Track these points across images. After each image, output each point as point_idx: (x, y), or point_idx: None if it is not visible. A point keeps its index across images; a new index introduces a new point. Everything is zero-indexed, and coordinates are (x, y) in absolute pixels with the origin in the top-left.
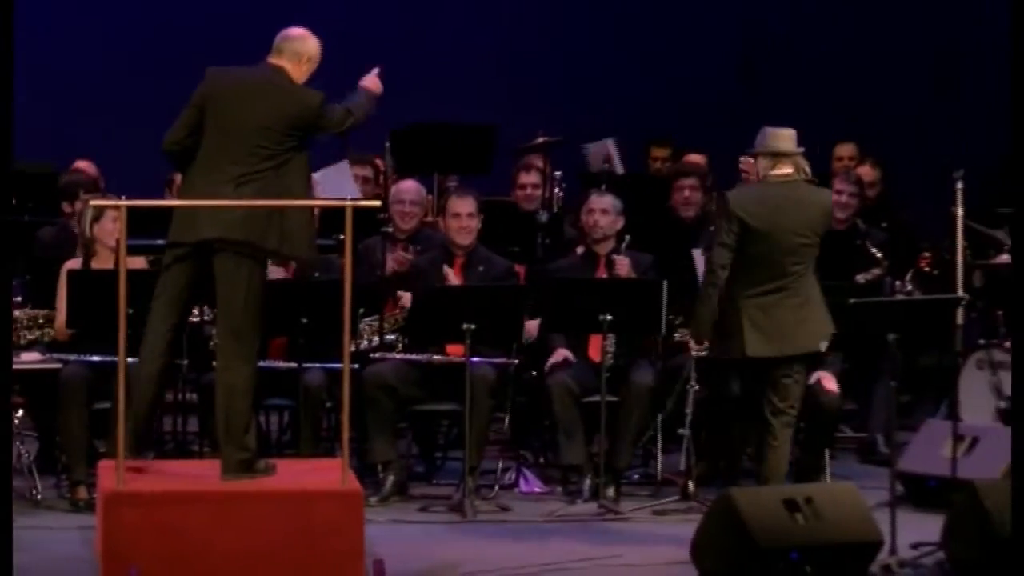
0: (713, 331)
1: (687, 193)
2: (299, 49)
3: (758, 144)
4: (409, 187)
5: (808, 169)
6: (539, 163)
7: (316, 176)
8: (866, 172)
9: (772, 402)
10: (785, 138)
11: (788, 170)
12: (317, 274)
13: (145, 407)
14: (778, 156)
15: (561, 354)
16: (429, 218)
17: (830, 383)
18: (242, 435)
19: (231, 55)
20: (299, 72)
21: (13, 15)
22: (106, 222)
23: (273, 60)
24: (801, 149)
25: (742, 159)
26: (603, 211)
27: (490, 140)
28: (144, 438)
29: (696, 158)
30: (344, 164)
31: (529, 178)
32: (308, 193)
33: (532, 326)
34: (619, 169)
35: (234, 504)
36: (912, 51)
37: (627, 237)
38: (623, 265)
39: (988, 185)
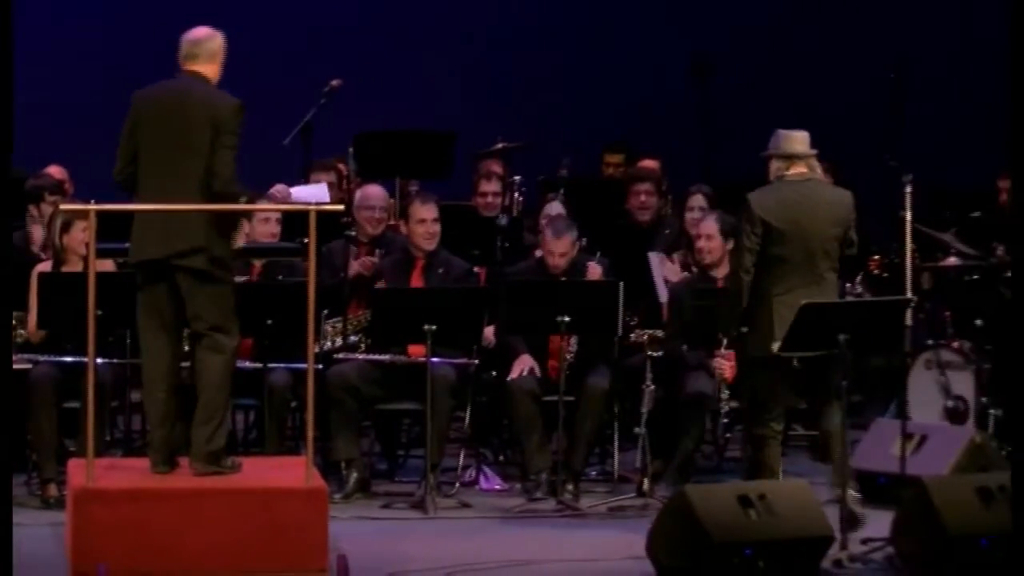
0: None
1: (643, 198)
2: (213, 49)
3: (771, 147)
4: (378, 193)
5: (820, 171)
6: (498, 169)
7: (293, 191)
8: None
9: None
10: (799, 140)
11: (802, 170)
12: (281, 276)
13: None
14: (792, 158)
15: (526, 363)
16: (391, 222)
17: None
18: (214, 428)
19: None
20: (214, 71)
21: (12, 16)
22: (75, 232)
23: (191, 67)
24: (815, 151)
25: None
26: (562, 254)
27: (450, 146)
28: (173, 449)
29: (650, 163)
30: (323, 187)
31: (490, 186)
32: None
33: (490, 332)
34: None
35: (201, 501)
36: (864, 57)
37: (584, 240)
38: (595, 272)
39: (936, 189)
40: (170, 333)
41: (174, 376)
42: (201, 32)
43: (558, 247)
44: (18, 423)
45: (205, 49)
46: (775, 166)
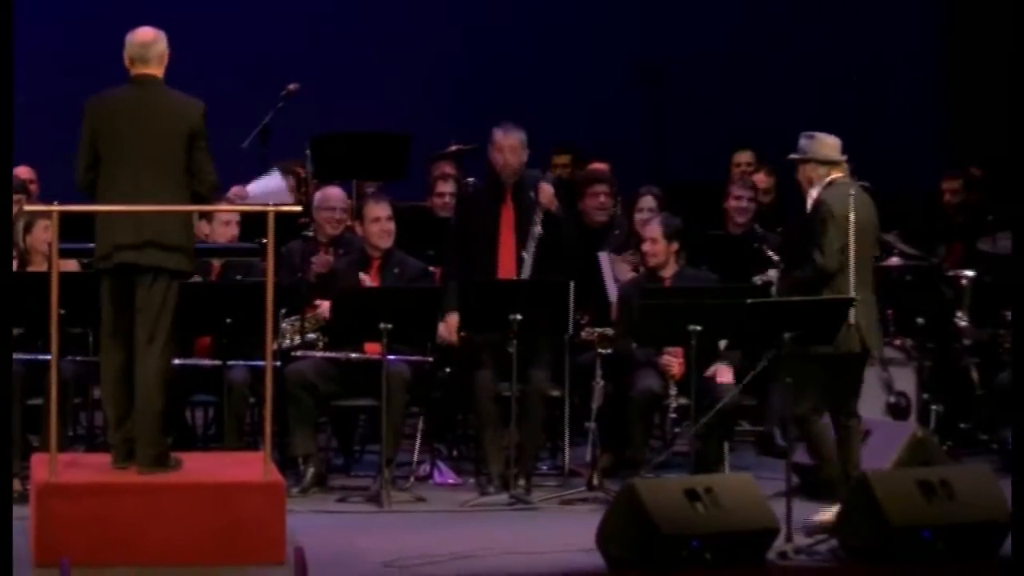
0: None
1: (601, 199)
2: (161, 51)
3: (808, 151)
4: (338, 194)
5: None
6: (453, 171)
7: (249, 188)
8: (760, 179)
9: (851, 396)
10: (836, 146)
11: (843, 174)
12: (239, 276)
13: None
14: (834, 163)
15: (452, 323)
16: (349, 222)
17: (724, 376)
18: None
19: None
20: (162, 70)
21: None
22: (38, 231)
23: (144, 70)
24: (845, 156)
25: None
26: (512, 149)
27: (405, 148)
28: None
29: (600, 166)
30: (276, 175)
31: (447, 187)
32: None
33: (443, 330)
34: None
35: (162, 495)
36: (806, 63)
37: (540, 170)
38: (546, 192)
39: (879, 191)
40: (125, 335)
41: (132, 375)
42: (149, 34)
43: (508, 142)
44: None
45: (155, 52)
46: (816, 171)
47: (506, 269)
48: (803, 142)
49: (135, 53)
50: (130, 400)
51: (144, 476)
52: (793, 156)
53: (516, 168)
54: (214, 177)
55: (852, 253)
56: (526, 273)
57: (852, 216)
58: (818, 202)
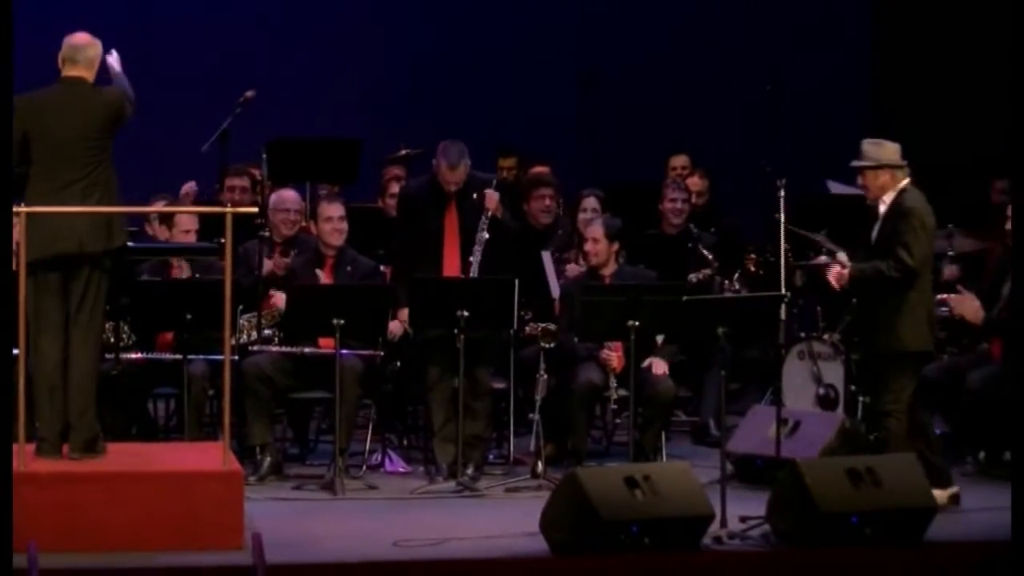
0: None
1: (546, 202)
2: (91, 56)
3: (884, 158)
4: (292, 197)
5: None
6: (402, 174)
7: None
8: (694, 182)
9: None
10: (899, 151)
11: (908, 179)
12: (198, 275)
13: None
14: (902, 168)
15: (403, 316)
16: (303, 223)
17: (660, 367)
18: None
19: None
20: (92, 75)
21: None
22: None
23: (71, 72)
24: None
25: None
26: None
27: (356, 152)
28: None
29: (543, 169)
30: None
31: (395, 189)
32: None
33: (394, 326)
34: None
35: (125, 483)
36: (738, 70)
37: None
38: (492, 198)
39: (807, 192)
40: (63, 325)
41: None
42: (83, 38)
43: (454, 176)
44: None
45: (85, 56)
46: (893, 176)
47: (451, 271)
48: (871, 149)
49: (67, 54)
50: (65, 390)
51: (113, 465)
52: (865, 164)
53: (460, 185)
54: (129, 96)
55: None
56: (473, 275)
57: (930, 222)
58: (906, 207)
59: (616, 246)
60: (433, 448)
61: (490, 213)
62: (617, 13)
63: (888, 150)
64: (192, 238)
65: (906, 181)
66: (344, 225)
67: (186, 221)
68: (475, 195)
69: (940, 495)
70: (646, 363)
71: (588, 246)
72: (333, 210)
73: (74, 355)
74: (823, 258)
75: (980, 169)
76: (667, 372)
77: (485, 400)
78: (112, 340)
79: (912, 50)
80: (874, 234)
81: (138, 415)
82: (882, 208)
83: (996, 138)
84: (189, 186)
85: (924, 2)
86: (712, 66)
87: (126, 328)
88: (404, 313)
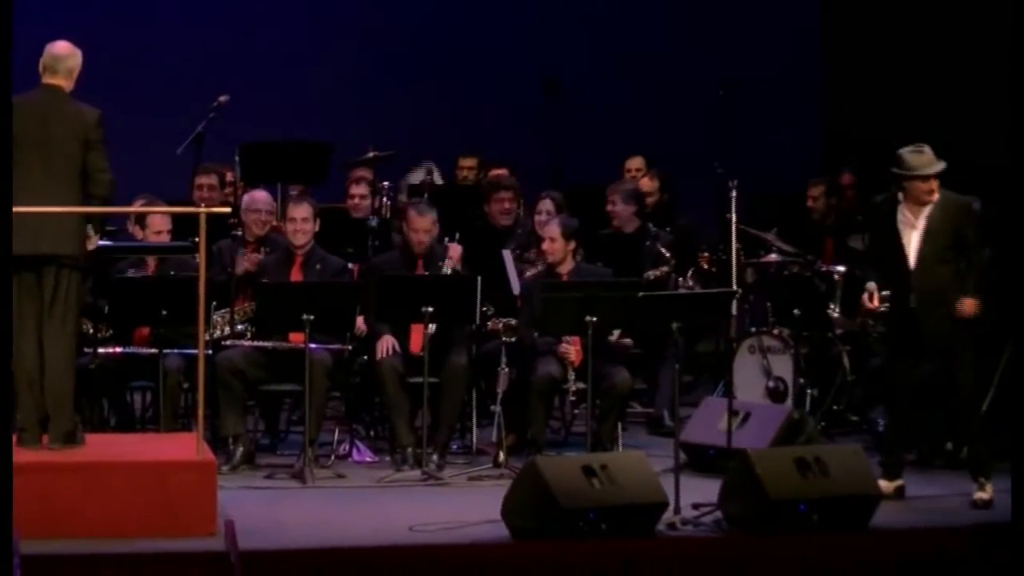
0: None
1: (506, 205)
2: (71, 66)
3: (930, 169)
4: (263, 197)
5: None
6: (368, 176)
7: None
8: (645, 183)
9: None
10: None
11: None
12: (173, 272)
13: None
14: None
15: (388, 341)
16: (275, 223)
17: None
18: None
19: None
20: (71, 84)
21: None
22: None
23: (50, 80)
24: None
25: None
26: (426, 231)
27: (326, 154)
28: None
29: (502, 171)
30: None
31: (359, 190)
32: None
33: (362, 321)
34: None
35: (103, 473)
36: (694, 77)
37: (447, 238)
38: (455, 250)
39: (758, 193)
40: (39, 322)
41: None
42: (64, 48)
43: (422, 224)
44: None
45: (65, 65)
46: (937, 184)
47: (419, 331)
48: (933, 155)
49: (48, 63)
50: (42, 383)
51: (90, 455)
52: (940, 168)
53: (428, 245)
54: (109, 175)
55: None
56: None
57: None
58: (966, 203)
59: (572, 244)
60: (395, 438)
61: (452, 265)
62: (577, 20)
63: (930, 157)
64: (165, 239)
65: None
66: (308, 226)
67: (159, 223)
68: (440, 263)
69: (887, 486)
70: (615, 337)
71: (545, 245)
72: (298, 212)
73: (49, 350)
74: (773, 256)
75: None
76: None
77: (460, 390)
78: (91, 334)
79: (861, 52)
80: (915, 235)
81: (115, 407)
82: (928, 209)
83: (946, 138)
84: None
85: (873, 3)
86: (667, 71)
87: (96, 326)
88: (387, 341)
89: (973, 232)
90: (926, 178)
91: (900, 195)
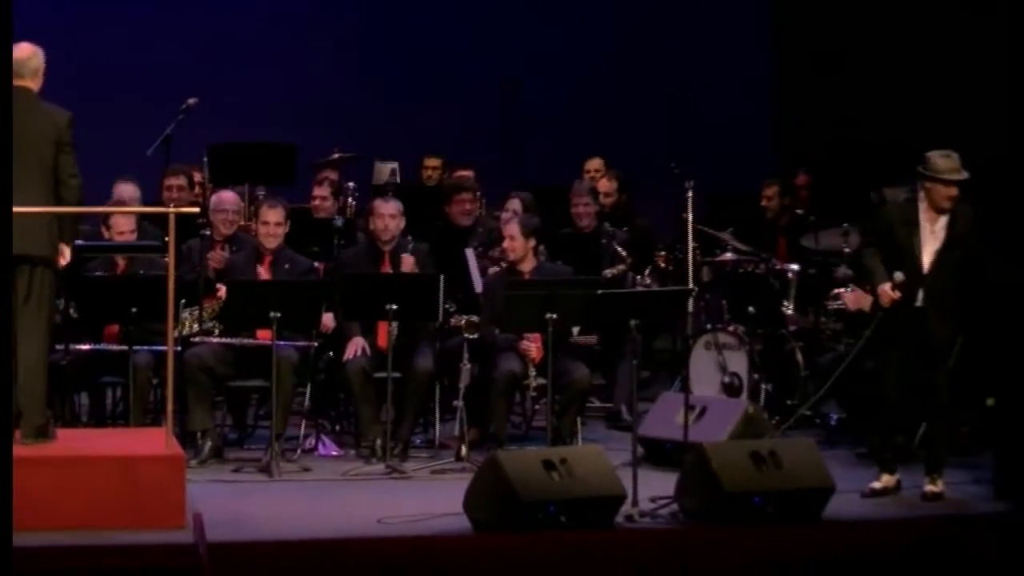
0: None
1: (467, 206)
2: (35, 66)
3: (952, 173)
4: (231, 198)
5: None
6: (333, 176)
7: None
8: (603, 184)
9: None
10: None
11: None
12: (142, 271)
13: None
14: None
15: (358, 344)
16: (242, 222)
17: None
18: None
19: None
20: (38, 83)
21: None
22: None
23: (17, 83)
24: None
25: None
26: (391, 216)
27: (292, 156)
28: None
29: (465, 173)
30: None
31: (322, 191)
32: None
33: (329, 319)
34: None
35: (74, 467)
36: (651, 82)
37: (409, 237)
38: (407, 262)
39: (714, 193)
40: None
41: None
42: (26, 50)
43: (387, 209)
44: None
45: (29, 67)
46: (958, 192)
47: (385, 327)
48: (960, 160)
49: (13, 67)
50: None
51: (62, 450)
52: (964, 176)
53: (393, 232)
54: (78, 181)
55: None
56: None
57: None
58: (972, 212)
59: (532, 243)
60: (361, 433)
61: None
62: (536, 23)
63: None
64: (131, 239)
65: None
66: (280, 230)
67: (122, 223)
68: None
69: (889, 480)
70: (575, 335)
71: (505, 243)
72: (271, 215)
73: (22, 348)
74: (729, 255)
75: (878, 169)
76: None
77: (423, 388)
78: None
79: (813, 53)
80: (932, 240)
81: (91, 403)
82: (948, 216)
83: (900, 137)
84: (123, 189)
85: (822, 7)
86: (625, 76)
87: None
88: (357, 343)
89: (980, 241)
90: (948, 183)
91: (920, 195)
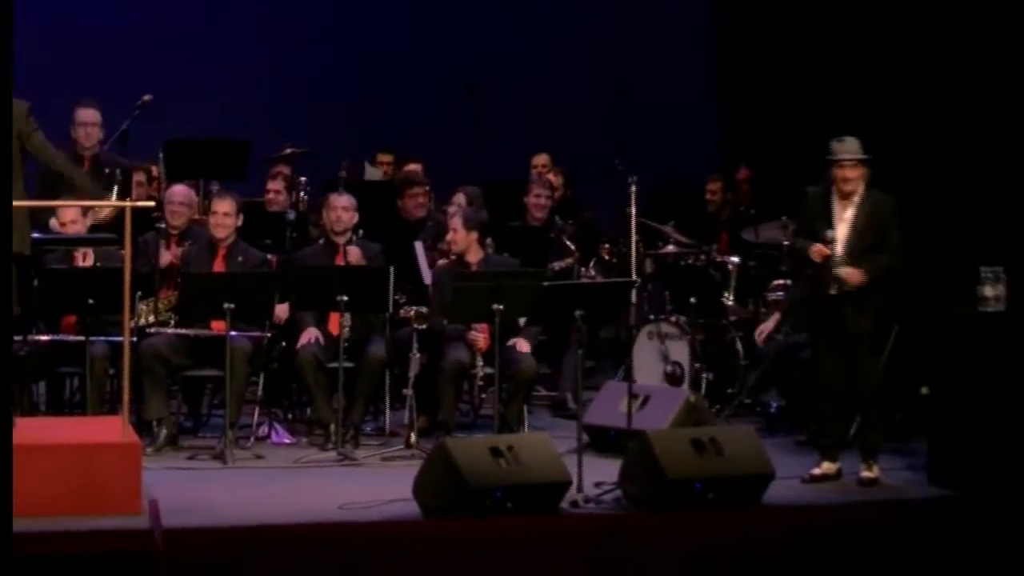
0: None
1: (419, 199)
2: None
3: (860, 152)
4: (180, 190)
5: None
6: (287, 171)
7: None
8: (551, 179)
9: None
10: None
11: None
12: (99, 264)
13: None
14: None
15: (311, 333)
16: (197, 217)
17: (523, 346)
18: None
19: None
20: None
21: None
22: None
23: None
24: None
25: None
26: (344, 208)
27: (245, 152)
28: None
29: (415, 166)
30: None
31: (276, 185)
32: None
33: (282, 310)
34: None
35: (32, 455)
36: (595, 81)
37: (360, 231)
38: (353, 254)
39: (656, 188)
40: None
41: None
42: None
43: (339, 202)
44: None
45: None
46: (864, 170)
47: (336, 317)
48: (853, 145)
49: None
50: None
51: (20, 439)
52: (856, 157)
53: (346, 225)
54: (62, 156)
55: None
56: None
57: None
58: (889, 200)
59: (475, 235)
60: (314, 420)
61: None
62: (488, 26)
63: (858, 146)
64: (80, 228)
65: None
66: (230, 220)
67: (70, 214)
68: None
69: (829, 467)
70: (511, 342)
71: (449, 236)
72: (220, 206)
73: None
74: (671, 247)
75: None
76: (530, 350)
77: (376, 377)
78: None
79: (754, 50)
80: (842, 227)
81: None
82: (856, 199)
83: (843, 132)
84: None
85: (762, 2)
86: (570, 75)
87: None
88: (312, 332)
89: (896, 232)
90: (842, 165)
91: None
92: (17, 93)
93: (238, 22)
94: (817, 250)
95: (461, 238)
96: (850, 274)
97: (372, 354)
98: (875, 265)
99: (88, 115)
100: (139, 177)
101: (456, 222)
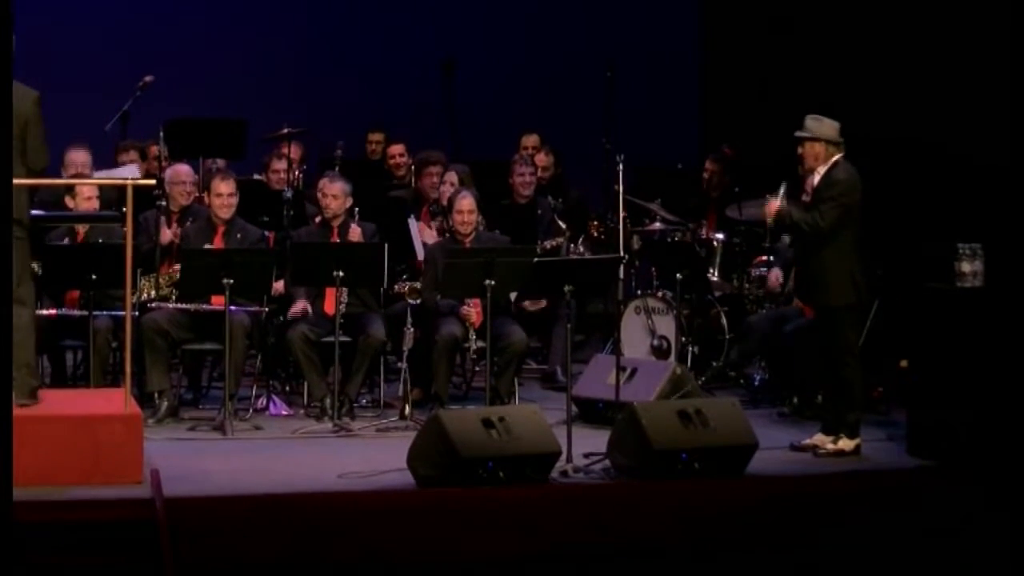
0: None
1: (435, 179)
2: None
3: (820, 132)
4: (186, 170)
5: None
6: (286, 150)
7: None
8: (540, 158)
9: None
10: (838, 129)
11: (842, 154)
12: (101, 240)
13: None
14: (837, 145)
15: (301, 305)
16: (197, 195)
17: (535, 305)
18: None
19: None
20: None
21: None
22: None
23: None
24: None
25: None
26: (334, 196)
27: (243, 131)
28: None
29: (398, 148)
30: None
31: (280, 164)
32: None
33: (279, 285)
34: None
35: (36, 427)
36: (584, 60)
37: (356, 209)
38: (355, 233)
39: (643, 167)
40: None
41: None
42: None
43: (331, 190)
44: None
45: None
46: (825, 150)
47: (332, 294)
48: (812, 124)
49: None
50: None
51: (25, 410)
52: (803, 135)
53: (336, 211)
54: (46, 160)
55: (855, 219)
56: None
57: (857, 188)
58: (834, 179)
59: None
60: (310, 394)
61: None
62: (476, 10)
63: (827, 126)
64: (95, 204)
65: (839, 156)
66: (233, 200)
67: (88, 189)
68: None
69: (847, 444)
70: (522, 303)
71: (463, 216)
72: (223, 187)
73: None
74: (657, 225)
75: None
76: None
77: (373, 353)
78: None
79: (739, 32)
80: (806, 199)
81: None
82: (816, 178)
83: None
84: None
85: None
86: (560, 55)
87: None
88: (301, 304)
89: (826, 205)
90: (796, 142)
91: None
92: (17, 77)
93: (237, 5)
94: (765, 208)
95: (474, 220)
96: (769, 204)
97: (373, 334)
98: (796, 211)
99: (79, 156)
100: (128, 157)
101: (470, 203)
